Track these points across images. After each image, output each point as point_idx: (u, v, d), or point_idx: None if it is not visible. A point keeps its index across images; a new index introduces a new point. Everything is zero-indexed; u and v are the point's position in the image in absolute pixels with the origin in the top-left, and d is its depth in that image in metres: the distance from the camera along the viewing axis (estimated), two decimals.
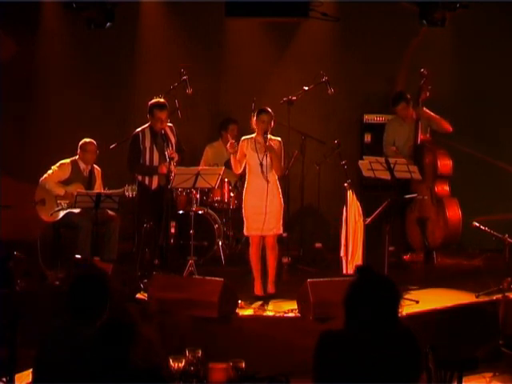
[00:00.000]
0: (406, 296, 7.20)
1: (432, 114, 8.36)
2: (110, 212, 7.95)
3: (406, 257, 8.64)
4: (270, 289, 7.16)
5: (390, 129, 8.69)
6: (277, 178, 7.11)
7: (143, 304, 6.86)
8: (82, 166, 8.23)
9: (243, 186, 8.57)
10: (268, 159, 7.02)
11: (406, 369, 3.57)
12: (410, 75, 9.19)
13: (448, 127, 8.35)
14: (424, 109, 8.34)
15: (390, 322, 3.61)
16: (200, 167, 8.29)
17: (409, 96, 8.43)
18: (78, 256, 7.52)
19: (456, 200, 8.28)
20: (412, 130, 8.41)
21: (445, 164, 8.26)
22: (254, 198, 7.04)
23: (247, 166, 7.13)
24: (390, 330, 3.61)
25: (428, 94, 8.30)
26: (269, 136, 7.06)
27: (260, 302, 7.03)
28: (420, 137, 8.37)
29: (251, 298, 7.08)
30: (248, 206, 7.11)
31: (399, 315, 3.66)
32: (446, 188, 8.33)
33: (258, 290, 7.11)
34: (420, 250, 8.57)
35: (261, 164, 7.01)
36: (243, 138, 7.15)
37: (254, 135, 7.10)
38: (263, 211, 6.98)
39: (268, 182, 7.02)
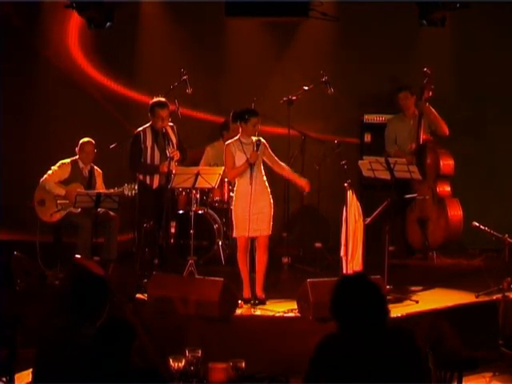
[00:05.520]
0: (406, 296, 7.22)
1: (434, 112, 8.36)
2: (109, 212, 7.95)
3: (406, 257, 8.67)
4: (259, 294, 7.02)
5: (391, 125, 8.70)
6: (265, 179, 7.06)
7: (142, 304, 6.86)
8: (81, 165, 8.23)
9: None
10: (257, 160, 6.96)
11: (407, 370, 3.58)
12: (413, 74, 9.21)
13: (446, 130, 8.36)
14: (427, 105, 8.34)
15: (377, 318, 3.63)
16: (200, 167, 8.30)
17: (412, 89, 8.43)
18: (78, 256, 7.53)
19: (457, 200, 8.28)
20: (413, 127, 8.42)
21: (447, 164, 8.27)
22: (244, 200, 6.93)
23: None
24: (381, 327, 3.62)
25: (431, 94, 8.29)
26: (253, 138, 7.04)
27: (259, 302, 7.02)
28: (422, 136, 8.37)
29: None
30: (238, 207, 6.98)
31: (388, 313, 3.70)
32: (448, 188, 8.33)
33: (246, 293, 7.04)
34: (420, 250, 8.59)
35: (250, 164, 6.95)
36: (227, 142, 7.06)
37: (236, 137, 7.02)
38: (258, 211, 6.90)
39: (256, 183, 6.94)
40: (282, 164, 7.19)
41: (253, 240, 7.15)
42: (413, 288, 7.52)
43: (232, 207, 7.14)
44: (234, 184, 8.56)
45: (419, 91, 8.37)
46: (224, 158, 7.09)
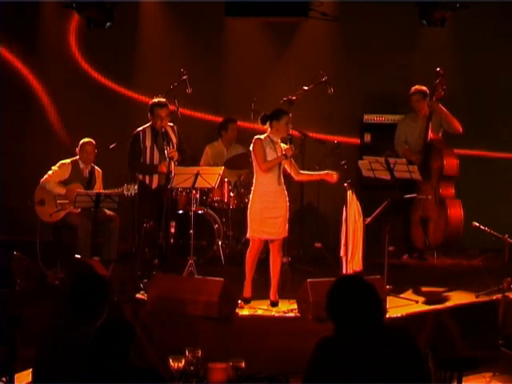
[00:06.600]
0: (406, 296, 7.22)
1: (446, 110, 8.36)
2: (108, 212, 7.95)
3: (405, 257, 8.68)
4: (273, 297, 6.99)
5: (403, 125, 8.69)
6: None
7: (142, 304, 6.86)
8: (82, 166, 8.23)
9: (244, 186, 8.60)
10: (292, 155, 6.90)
11: (406, 369, 3.58)
12: (413, 74, 9.23)
13: (459, 127, 8.35)
14: (439, 104, 8.34)
15: (373, 318, 3.63)
16: (200, 167, 8.30)
17: (427, 91, 8.43)
18: (77, 256, 7.53)
19: (459, 201, 8.24)
20: (424, 127, 8.40)
21: (451, 165, 8.22)
22: (268, 200, 6.83)
23: None
24: (378, 328, 3.63)
25: (443, 94, 8.28)
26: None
27: (259, 302, 7.02)
28: (430, 135, 8.37)
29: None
30: (258, 208, 6.85)
31: (384, 313, 3.71)
32: (451, 188, 8.30)
33: (247, 292, 7.01)
34: (422, 250, 8.60)
35: (279, 164, 6.86)
36: (257, 137, 6.90)
37: (266, 134, 6.90)
38: (277, 214, 6.85)
39: (282, 183, 6.90)
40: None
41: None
42: (413, 288, 7.52)
43: (249, 205, 6.95)
44: (234, 184, 8.64)
45: (431, 91, 8.36)
46: (253, 151, 6.84)
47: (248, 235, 6.99)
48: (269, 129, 6.91)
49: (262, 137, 6.89)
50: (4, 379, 5.17)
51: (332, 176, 7.07)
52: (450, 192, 8.31)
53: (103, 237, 7.96)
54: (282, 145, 6.91)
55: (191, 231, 7.45)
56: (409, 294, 7.33)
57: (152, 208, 7.90)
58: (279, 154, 6.84)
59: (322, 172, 7.18)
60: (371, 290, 3.70)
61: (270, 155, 6.84)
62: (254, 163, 6.91)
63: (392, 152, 8.52)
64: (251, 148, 6.90)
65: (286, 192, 6.96)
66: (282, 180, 6.92)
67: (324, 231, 9.28)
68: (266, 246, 7.12)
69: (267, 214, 6.84)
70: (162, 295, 6.71)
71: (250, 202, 6.97)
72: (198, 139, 9.58)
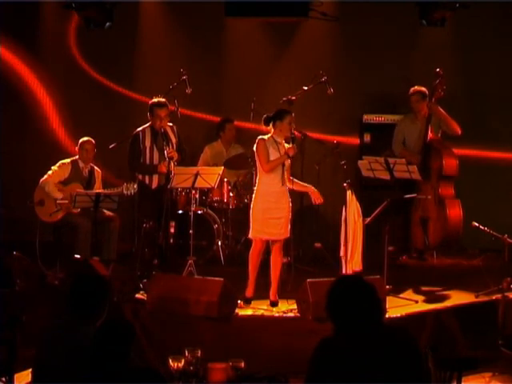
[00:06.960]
0: (406, 296, 7.22)
1: (444, 112, 8.36)
2: (108, 212, 7.95)
3: (404, 257, 8.68)
4: (273, 297, 6.99)
5: (402, 125, 8.68)
6: None
7: (142, 304, 6.86)
8: (81, 165, 8.23)
9: (243, 186, 8.60)
10: (288, 161, 6.90)
11: (406, 369, 3.57)
12: (413, 74, 9.24)
13: (457, 129, 8.34)
14: (438, 106, 8.34)
15: (372, 319, 3.63)
16: (199, 167, 8.30)
17: (426, 92, 8.43)
18: (77, 256, 7.53)
19: (458, 201, 8.25)
20: (423, 128, 8.39)
21: (450, 165, 8.22)
22: (270, 201, 6.83)
23: None
24: (377, 328, 3.63)
25: (442, 94, 8.27)
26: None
27: (259, 302, 7.02)
28: (430, 136, 8.36)
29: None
30: (260, 208, 6.86)
31: (384, 313, 3.70)
32: (450, 188, 8.30)
33: (249, 292, 7.01)
34: (422, 250, 8.60)
35: (283, 164, 6.86)
36: (260, 137, 6.90)
37: (269, 135, 6.90)
38: (279, 215, 6.84)
39: (286, 184, 6.90)
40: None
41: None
42: (413, 288, 7.52)
43: (251, 206, 6.94)
44: (234, 184, 8.64)
45: (430, 91, 8.36)
46: (256, 151, 6.83)
47: (250, 235, 6.98)
48: (272, 129, 6.91)
49: (266, 137, 6.89)
50: (4, 379, 5.18)
51: (318, 197, 7.06)
52: (450, 192, 8.31)
53: (103, 237, 7.95)
54: (286, 145, 6.91)
55: (191, 231, 7.45)
56: (409, 293, 7.33)
57: (152, 208, 7.90)
58: (282, 154, 6.85)
59: (310, 187, 7.14)
60: (371, 290, 3.70)
61: (274, 155, 6.84)
62: (257, 163, 6.91)
63: (391, 152, 8.52)
64: (254, 148, 6.90)
65: (288, 193, 6.96)
66: (286, 180, 6.92)
67: (324, 231, 9.27)
68: (267, 246, 7.12)
69: (269, 215, 6.84)
70: (161, 295, 6.71)
71: (252, 202, 6.97)
72: (197, 139, 9.58)
